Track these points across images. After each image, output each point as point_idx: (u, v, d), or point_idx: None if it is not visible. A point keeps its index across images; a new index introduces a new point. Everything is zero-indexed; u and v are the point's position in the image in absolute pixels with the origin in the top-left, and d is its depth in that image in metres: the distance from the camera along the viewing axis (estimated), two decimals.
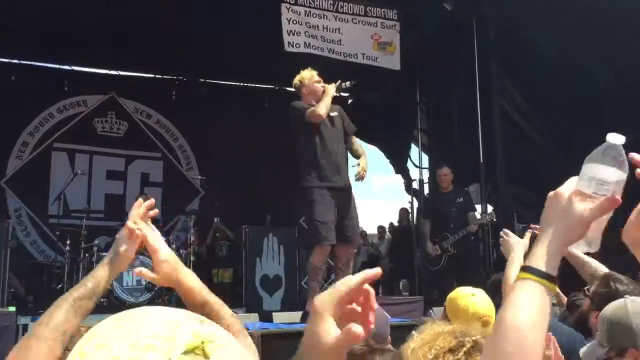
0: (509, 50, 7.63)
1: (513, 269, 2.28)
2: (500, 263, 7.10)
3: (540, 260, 0.99)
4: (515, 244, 2.45)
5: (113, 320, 0.75)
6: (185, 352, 0.67)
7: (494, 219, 7.14)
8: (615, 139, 1.00)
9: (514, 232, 7.74)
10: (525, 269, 1.00)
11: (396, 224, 11.33)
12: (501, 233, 2.64)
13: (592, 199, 0.99)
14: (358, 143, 5.04)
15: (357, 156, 4.92)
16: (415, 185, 9.31)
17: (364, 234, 12.74)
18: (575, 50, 6.98)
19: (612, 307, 1.90)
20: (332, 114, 4.75)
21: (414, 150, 9.61)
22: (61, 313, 1.46)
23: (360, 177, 4.73)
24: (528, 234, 2.49)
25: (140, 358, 0.66)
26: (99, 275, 1.60)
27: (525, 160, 8.13)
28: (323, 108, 4.51)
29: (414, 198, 9.34)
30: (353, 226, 4.68)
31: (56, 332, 1.40)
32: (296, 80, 4.87)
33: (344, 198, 4.61)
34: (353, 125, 5.04)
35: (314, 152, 4.59)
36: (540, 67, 7.36)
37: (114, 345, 0.69)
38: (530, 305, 0.95)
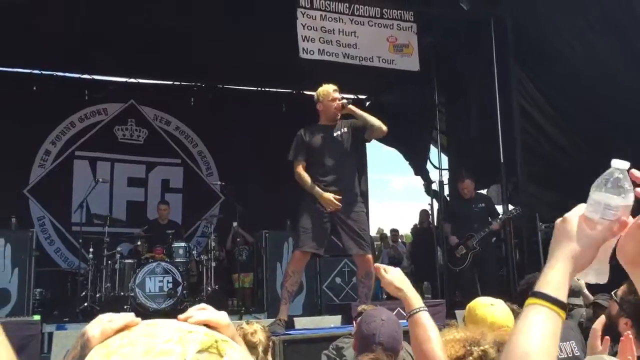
0: (528, 49, 7.55)
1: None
2: (523, 264, 7.04)
3: (549, 285, 0.98)
4: (399, 280, 1.89)
5: (123, 334, 0.76)
6: (200, 351, 0.68)
7: (519, 212, 7.12)
8: (621, 164, 0.99)
9: (536, 232, 7.67)
10: (534, 294, 0.99)
11: (418, 225, 11.26)
12: (380, 269, 2.00)
13: (600, 224, 0.99)
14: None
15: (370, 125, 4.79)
16: (435, 186, 9.25)
17: (384, 237, 12.70)
18: (596, 48, 6.89)
19: None
20: (335, 133, 4.76)
21: (433, 151, 9.55)
22: None
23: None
24: None
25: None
26: None
27: (546, 160, 8.04)
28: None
29: (434, 199, 9.28)
30: (363, 237, 4.70)
31: None
32: (315, 94, 4.95)
33: (345, 213, 4.64)
34: (359, 121, 4.87)
35: (313, 174, 4.75)
36: (561, 66, 7.28)
37: (123, 352, 0.70)
38: (539, 331, 0.95)
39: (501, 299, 2.68)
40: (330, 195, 4.59)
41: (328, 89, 4.81)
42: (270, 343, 3.11)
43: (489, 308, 2.57)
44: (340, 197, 4.62)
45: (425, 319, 1.71)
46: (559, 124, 7.84)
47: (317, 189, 4.64)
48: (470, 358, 1.22)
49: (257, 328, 2.92)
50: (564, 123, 7.80)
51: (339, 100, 4.73)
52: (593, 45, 6.92)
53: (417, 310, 1.74)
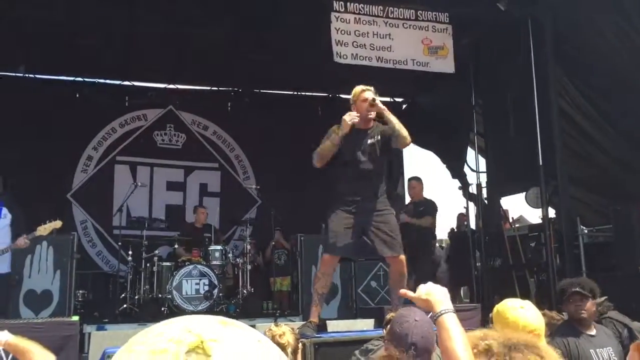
0: (567, 49, 7.39)
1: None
2: (564, 269, 6.87)
3: None
4: (426, 292, 1.81)
5: (146, 329, 0.84)
6: (188, 352, 0.74)
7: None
8: None
9: (577, 236, 7.48)
10: None
11: (455, 229, 11.11)
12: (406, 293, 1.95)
13: None
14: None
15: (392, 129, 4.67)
16: (472, 189, 9.12)
17: None
18: (638, 46, 6.69)
19: None
20: (369, 140, 4.63)
21: (470, 154, 9.42)
22: None
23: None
24: None
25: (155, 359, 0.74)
26: None
27: (587, 161, 7.84)
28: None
29: (472, 203, 9.15)
30: (395, 238, 4.65)
31: None
32: (351, 96, 4.87)
33: (374, 218, 4.62)
34: (389, 129, 4.74)
35: (339, 175, 4.73)
36: (601, 65, 7.10)
37: (137, 349, 0.79)
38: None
39: (531, 303, 2.60)
40: (348, 114, 4.55)
41: (358, 89, 4.75)
42: (300, 345, 3.12)
43: (519, 311, 2.50)
44: (368, 205, 4.61)
45: (448, 321, 1.68)
46: (601, 125, 7.64)
47: (334, 127, 4.61)
48: (474, 351, 1.22)
49: (286, 330, 2.93)
50: (605, 123, 7.59)
51: (372, 106, 4.62)
52: (634, 43, 6.72)
53: (440, 313, 1.71)
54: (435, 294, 1.77)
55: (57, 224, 5.40)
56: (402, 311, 2.78)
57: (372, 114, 4.62)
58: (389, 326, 2.77)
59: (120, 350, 0.82)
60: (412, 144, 11.25)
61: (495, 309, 2.63)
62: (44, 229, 5.31)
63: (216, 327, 0.82)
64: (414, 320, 2.53)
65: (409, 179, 8.18)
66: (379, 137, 4.66)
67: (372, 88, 4.74)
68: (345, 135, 4.62)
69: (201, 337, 0.75)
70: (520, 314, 2.49)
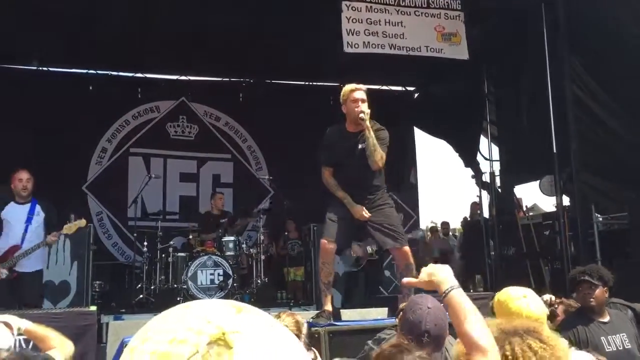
0: (581, 36, 7.30)
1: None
2: (578, 257, 6.84)
3: None
4: (428, 273, 1.80)
5: (161, 315, 0.84)
6: (209, 344, 0.74)
7: None
8: None
9: (592, 224, 7.45)
10: None
11: (468, 218, 11.10)
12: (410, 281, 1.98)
13: None
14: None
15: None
16: (485, 178, 9.09)
17: (434, 229, 12.57)
18: None
19: None
20: (361, 145, 4.56)
21: (483, 142, 9.37)
22: None
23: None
24: None
25: (174, 350, 0.74)
26: None
27: (602, 149, 7.76)
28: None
29: (485, 191, 9.12)
30: (396, 230, 4.67)
31: None
32: (341, 95, 4.79)
33: (373, 215, 4.62)
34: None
35: (339, 180, 4.71)
36: (616, 52, 7.01)
37: (155, 338, 0.78)
38: None
39: (532, 292, 2.60)
40: (359, 209, 4.57)
41: (347, 89, 4.64)
42: (304, 330, 3.15)
43: (522, 300, 2.50)
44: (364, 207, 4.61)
45: (457, 297, 1.67)
46: (616, 112, 7.55)
47: (348, 199, 4.62)
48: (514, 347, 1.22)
49: (284, 317, 3.02)
50: (620, 110, 7.51)
51: (360, 110, 4.46)
52: None
53: (447, 291, 1.70)
54: (438, 273, 1.76)
55: (82, 222, 5.54)
56: (414, 298, 2.79)
57: (362, 115, 4.47)
58: (401, 314, 2.78)
59: (137, 338, 0.81)
60: (425, 133, 11.26)
61: (496, 299, 2.62)
62: (69, 228, 5.48)
63: (234, 316, 0.81)
64: (427, 307, 2.55)
65: None
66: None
67: (363, 87, 4.66)
68: (338, 138, 4.68)
69: (222, 328, 0.76)
70: (524, 303, 2.49)
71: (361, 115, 4.44)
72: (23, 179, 5.60)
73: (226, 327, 0.76)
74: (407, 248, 4.67)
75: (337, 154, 4.68)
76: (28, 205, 5.62)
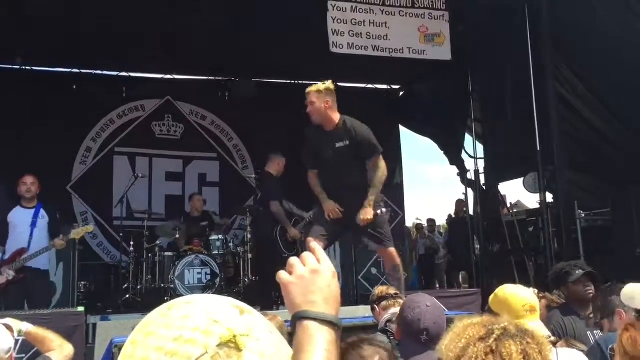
0: (564, 34, 7.39)
1: None
2: (561, 254, 6.92)
3: None
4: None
5: (162, 309, 0.83)
6: (219, 345, 0.74)
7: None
8: None
9: (575, 220, 7.54)
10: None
11: (453, 215, 11.18)
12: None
13: None
14: (378, 167, 4.77)
15: (369, 185, 4.70)
16: (470, 175, 9.17)
17: (420, 227, 12.65)
18: (636, 31, 6.71)
19: None
20: (338, 144, 4.67)
21: (468, 140, 9.44)
22: None
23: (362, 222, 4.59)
24: None
25: (181, 349, 0.74)
26: None
27: (585, 146, 7.87)
28: None
29: (470, 189, 9.19)
30: (381, 232, 4.74)
31: None
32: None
33: (357, 217, 4.66)
34: (372, 148, 4.77)
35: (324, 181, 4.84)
36: (599, 50, 7.10)
37: (159, 333, 0.77)
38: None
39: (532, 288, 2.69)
40: (330, 204, 4.66)
41: (310, 90, 4.87)
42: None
43: (514, 288, 2.63)
44: (343, 209, 4.67)
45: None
46: (598, 109, 7.66)
47: (323, 195, 4.75)
48: (493, 336, 1.24)
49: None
50: (603, 108, 7.62)
51: (310, 108, 4.74)
52: (633, 27, 6.73)
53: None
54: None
55: (89, 228, 5.79)
56: (412, 297, 2.83)
57: (309, 109, 4.76)
58: (399, 312, 2.81)
59: (138, 331, 0.80)
60: (409, 131, 11.31)
61: (494, 295, 2.68)
62: (76, 233, 5.64)
63: (239, 317, 0.81)
64: (426, 305, 2.58)
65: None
66: (348, 142, 4.66)
67: (313, 88, 4.95)
68: (317, 140, 4.81)
69: (233, 331, 0.76)
70: (516, 289, 2.63)
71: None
72: (27, 183, 5.82)
73: (236, 329, 0.77)
74: (392, 249, 4.72)
75: (318, 155, 4.79)
76: (33, 209, 5.80)
